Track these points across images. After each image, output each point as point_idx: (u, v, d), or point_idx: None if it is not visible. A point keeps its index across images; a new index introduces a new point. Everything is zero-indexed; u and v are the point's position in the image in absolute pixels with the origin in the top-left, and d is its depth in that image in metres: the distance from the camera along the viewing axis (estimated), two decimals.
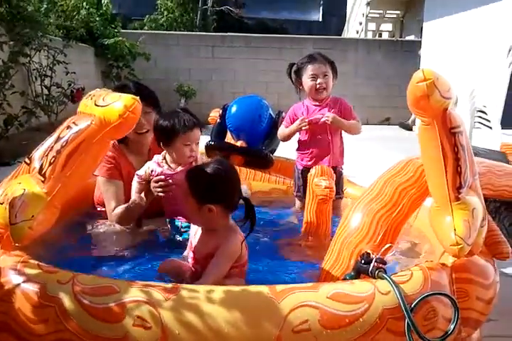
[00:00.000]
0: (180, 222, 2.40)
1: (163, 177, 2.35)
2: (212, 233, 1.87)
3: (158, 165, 2.40)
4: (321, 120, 2.80)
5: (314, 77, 2.86)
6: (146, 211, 2.47)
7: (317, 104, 2.91)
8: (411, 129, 9.14)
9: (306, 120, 2.84)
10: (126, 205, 2.45)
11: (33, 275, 1.51)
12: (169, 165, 2.39)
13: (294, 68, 2.96)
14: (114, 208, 2.48)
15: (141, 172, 2.42)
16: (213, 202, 1.81)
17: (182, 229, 2.38)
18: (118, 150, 2.61)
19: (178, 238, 2.38)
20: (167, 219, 2.48)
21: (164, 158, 2.41)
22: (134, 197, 2.40)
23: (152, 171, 2.39)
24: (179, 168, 2.36)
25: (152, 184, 2.37)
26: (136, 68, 9.97)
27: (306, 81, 2.88)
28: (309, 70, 2.87)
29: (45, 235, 1.74)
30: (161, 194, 2.36)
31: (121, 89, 2.39)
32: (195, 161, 2.37)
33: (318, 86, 2.85)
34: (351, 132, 2.92)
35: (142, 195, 2.42)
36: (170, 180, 2.34)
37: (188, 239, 2.04)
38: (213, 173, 1.82)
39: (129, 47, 9.83)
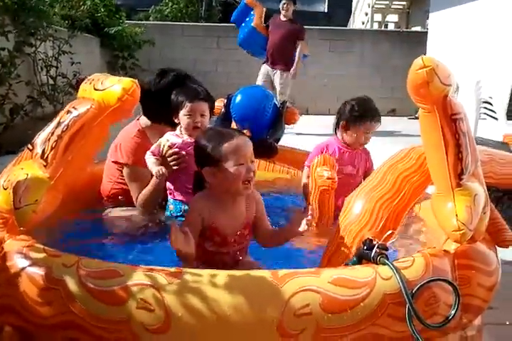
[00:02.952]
0: (183, 206, 2.42)
1: (177, 149, 2.39)
2: (238, 201, 1.92)
3: (177, 137, 2.45)
4: None
5: (359, 135, 2.71)
6: None
7: (349, 149, 2.76)
8: None
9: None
10: (149, 185, 2.45)
11: (39, 258, 1.53)
12: (188, 136, 2.44)
13: (342, 123, 2.74)
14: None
15: (154, 148, 2.44)
16: None
17: (184, 213, 2.38)
18: (143, 136, 2.61)
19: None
20: (171, 201, 2.48)
21: (181, 131, 2.47)
22: (156, 169, 2.36)
23: (171, 143, 2.42)
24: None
25: (169, 159, 2.39)
26: (141, 59, 9.97)
27: (352, 136, 2.72)
28: (362, 128, 2.70)
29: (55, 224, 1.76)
30: (175, 167, 2.38)
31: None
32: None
33: (360, 145, 2.75)
34: None
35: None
36: (183, 152, 2.39)
37: None
38: None
39: (132, 36, 9.80)
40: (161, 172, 2.35)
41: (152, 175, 2.44)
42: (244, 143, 1.86)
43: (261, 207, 1.99)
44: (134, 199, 2.53)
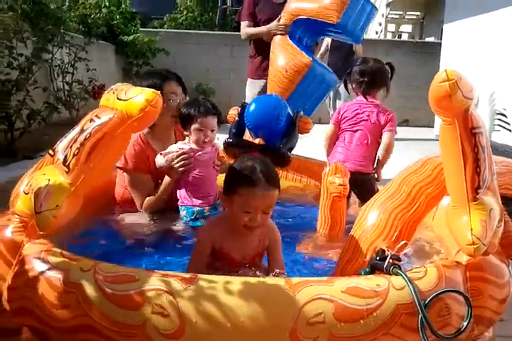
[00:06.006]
0: (195, 208, 2.50)
1: (185, 149, 2.49)
2: (251, 233, 1.88)
3: (185, 145, 2.55)
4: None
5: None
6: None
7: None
8: None
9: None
10: (159, 192, 2.54)
11: (57, 262, 1.55)
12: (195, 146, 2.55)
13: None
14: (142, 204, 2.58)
15: (164, 152, 2.52)
16: None
17: (197, 216, 2.48)
18: (145, 143, 2.66)
19: (191, 225, 2.47)
20: (182, 208, 2.53)
21: (189, 141, 2.56)
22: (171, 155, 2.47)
23: (180, 148, 2.52)
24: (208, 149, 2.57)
25: (175, 161, 2.47)
26: (155, 66, 10.04)
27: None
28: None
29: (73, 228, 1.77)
30: (181, 168, 2.46)
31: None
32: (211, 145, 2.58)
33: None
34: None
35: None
36: (191, 153, 2.49)
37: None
38: None
39: (147, 44, 9.89)
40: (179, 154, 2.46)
41: (156, 183, 2.55)
42: (262, 195, 1.74)
43: (275, 245, 1.93)
44: (137, 204, 2.59)
